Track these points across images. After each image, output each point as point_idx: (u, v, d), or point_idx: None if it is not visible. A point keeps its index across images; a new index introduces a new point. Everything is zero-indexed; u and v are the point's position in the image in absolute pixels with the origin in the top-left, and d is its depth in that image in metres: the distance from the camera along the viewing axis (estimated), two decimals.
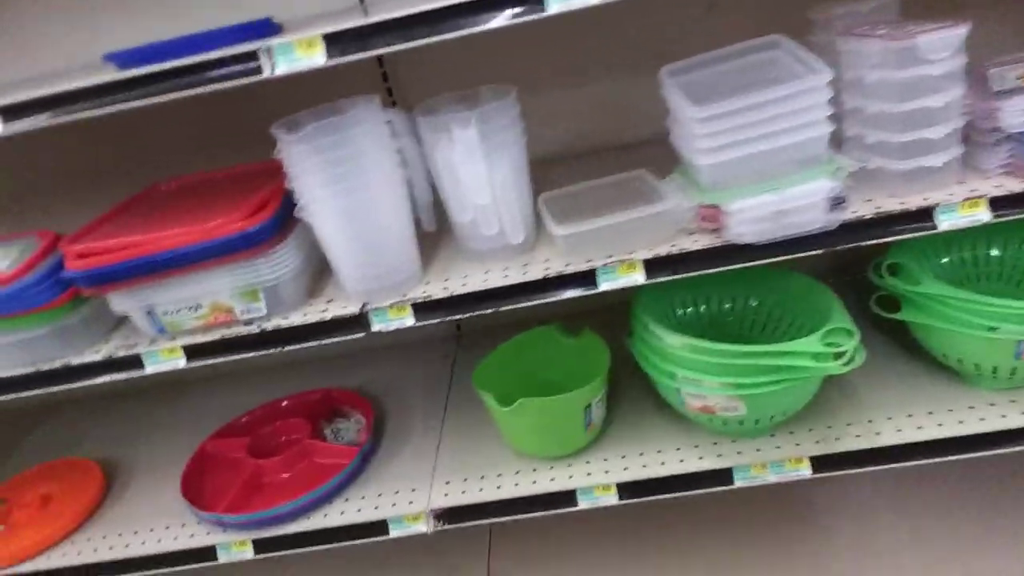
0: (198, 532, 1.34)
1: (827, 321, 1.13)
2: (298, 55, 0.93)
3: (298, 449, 1.43)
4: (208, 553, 1.32)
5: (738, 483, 1.23)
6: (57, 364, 1.17)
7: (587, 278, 1.09)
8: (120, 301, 1.12)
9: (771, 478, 1.22)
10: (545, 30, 1.13)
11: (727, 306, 1.39)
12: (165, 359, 1.16)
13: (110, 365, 1.17)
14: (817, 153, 1.02)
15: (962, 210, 1.02)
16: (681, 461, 1.25)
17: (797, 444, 1.23)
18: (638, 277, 1.08)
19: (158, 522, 1.40)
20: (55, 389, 1.18)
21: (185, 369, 1.13)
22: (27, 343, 1.15)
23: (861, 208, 1.05)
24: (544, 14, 0.90)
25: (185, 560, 1.33)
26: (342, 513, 1.31)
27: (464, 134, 1.01)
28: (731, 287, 1.38)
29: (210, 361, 1.16)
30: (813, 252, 1.05)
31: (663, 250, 1.07)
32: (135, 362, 1.16)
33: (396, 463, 1.42)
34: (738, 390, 1.12)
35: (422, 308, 1.12)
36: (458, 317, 1.12)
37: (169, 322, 1.14)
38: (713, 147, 1.00)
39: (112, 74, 0.96)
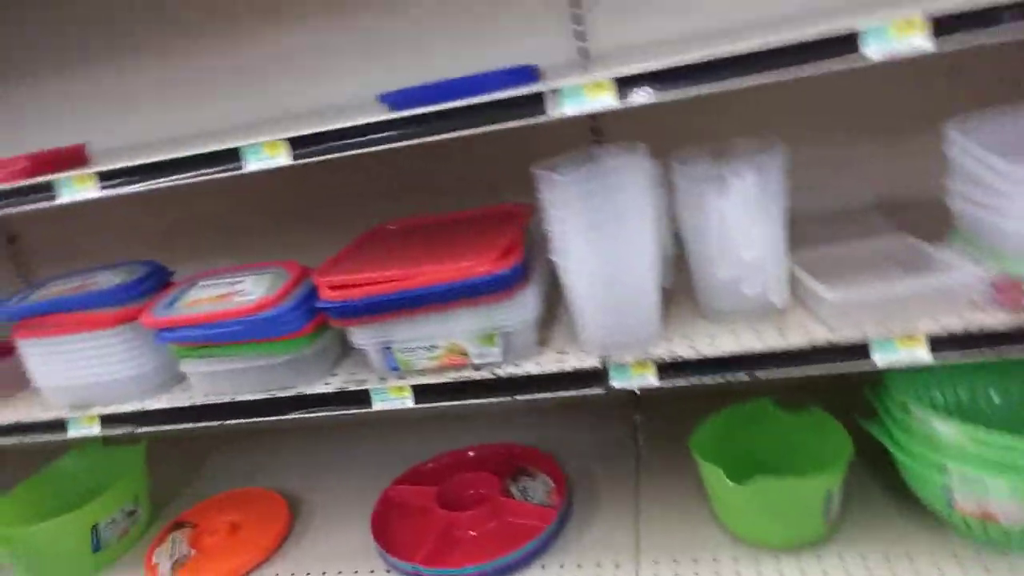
0: None
1: None
2: (587, 97, 0.92)
3: (492, 505, 1.37)
4: None
5: None
6: (290, 393, 1.18)
7: (859, 350, 0.99)
8: (362, 335, 1.12)
9: None
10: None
11: (996, 400, 1.22)
12: (393, 397, 1.15)
13: (339, 398, 1.17)
14: None
15: None
16: (938, 570, 1.09)
17: None
18: (922, 354, 0.96)
19: (346, 565, 1.37)
20: (284, 417, 1.19)
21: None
22: (266, 370, 1.17)
23: None
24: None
25: None
26: None
27: (740, 183, 0.96)
28: (998, 377, 1.22)
29: (437, 404, 1.14)
30: None
31: (954, 325, 0.96)
32: (363, 398, 1.16)
33: (593, 531, 1.33)
34: None
35: (668, 368, 1.05)
36: (706, 380, 1.04)
37: (403, 360, 1.13)
38: None
39: (408, 111, 0.98)
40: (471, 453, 1.56)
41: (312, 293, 1.16)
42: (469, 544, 1.32)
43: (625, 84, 0.91)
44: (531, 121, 0.95)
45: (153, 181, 1.06)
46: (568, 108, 0.93)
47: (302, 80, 1.54)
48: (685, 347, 1.06)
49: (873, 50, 0.84)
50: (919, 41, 0.82)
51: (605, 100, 0.92)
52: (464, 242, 1.16)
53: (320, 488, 1.64)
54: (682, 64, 0.89)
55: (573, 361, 1.10)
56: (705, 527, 1.28)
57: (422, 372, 1.15)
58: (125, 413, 1.25)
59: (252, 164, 1.03)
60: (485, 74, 1.04)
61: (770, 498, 1.12)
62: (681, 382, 1.05)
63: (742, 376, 1.03)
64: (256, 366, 1.17)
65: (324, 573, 1.36)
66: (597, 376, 1.08)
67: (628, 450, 1.57)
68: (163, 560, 1.43)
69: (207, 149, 1.03)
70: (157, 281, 1.31)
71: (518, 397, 1.11)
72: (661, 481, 1.43)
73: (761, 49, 0.86)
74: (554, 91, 0.93)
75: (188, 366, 1.20)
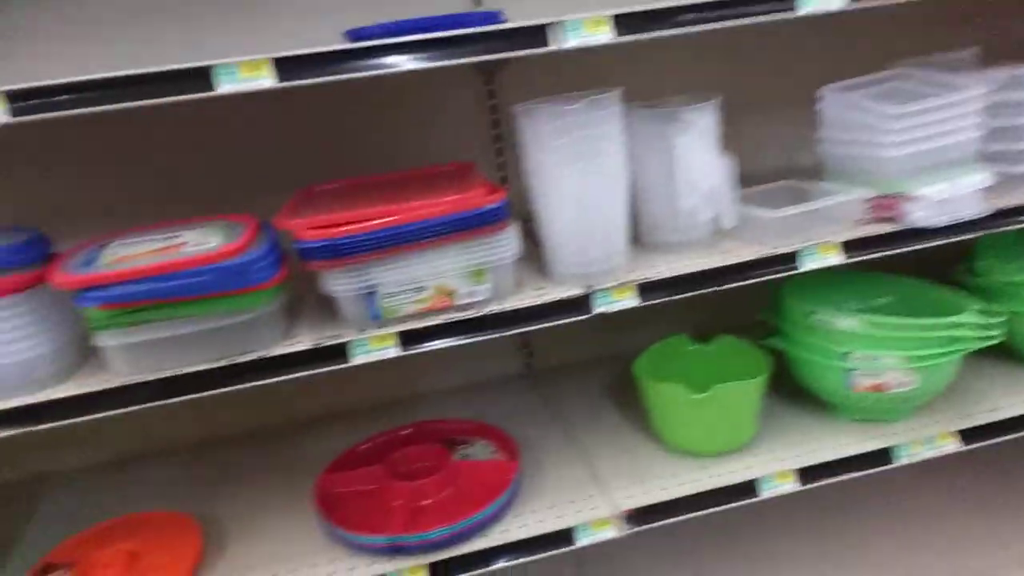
0: (359, 564, 1.19)
1: (962, 310, 1.29)
2: (586, 32, 1.00)
3: (447, 471, 1.33)
4: None
5: (900, 461, 1.32)
6: (250, 357, 1.05)
7: (790, 259, 1.19)
8: (343, 282, 1.04)
9: (927, 454, 1.33)
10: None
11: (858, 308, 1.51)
12: (375, 348, 1.08)
13: (312, 356, 1.07)
14: (970, 153, 1.23)
15: None
16: (845, 445, 1.32)
17: (937, 422, 1.36)
18: (835, 258, 1.20)
19: (297, 563, 1.22)
20: (249, 386, 1.05)
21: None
22: (216, 334, 1.02)
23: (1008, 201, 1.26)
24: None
25: None
26: (522, 527, 1.24)
27: (698, 121, 1.11)
28: (856, 291, 1.51)
29: (423, 348, 1.10)
30: (970, 235, 1.23)
31: (858, 233, 1.20)
32: (340, 353, 1.07)
33: (548, 477, 1.37)
34: (915, 363, 1.25)
35: (647, 288, 1.15)
36: (679, 296, 1.16)
37: (387, 307, 1.07)
38: (903, 140, 1.17)
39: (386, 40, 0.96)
40: (404, 432, 1.49)
41: (275, 243, 1.05)
42: (435, 512, 1.27)
43: (620, 21, 1.01)
44: (521, 53, 0.99)
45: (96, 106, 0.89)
46: (571, 41, 1.00)
47: (266, 19, 1.40)
48: (654, 272, 1.17)
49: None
50: None
51: (603, 36, 1.00)
52: (423, 194, 1.13)
53: (220, 504, 1.43)
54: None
55: (557, 292, 1.14)
56: (647, 450, 1.40)
57: (404, 319, 1.10)
58: (21, 408, 0.99)
59: (225, 86, 0.92)
60: (455, 15, 1.07)
61: (723, 403, 1.27)
62: (657, 300, 1.16)
63: (707, 289, 1.17)
64: (205, 330, 1.02)
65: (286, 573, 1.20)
66: (581, 303, 1.14)
67: (544, 412, 1.64)
68: None
69: (174, 67, 0.90)
70: (37, 250, 1.06)
71: (507, 333, 1.12)
72: (589, 430, 1.52)
73: None
74: (558, 23, 1.00)
75: (110, 338, 1.00)
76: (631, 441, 1.45)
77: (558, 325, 1.12)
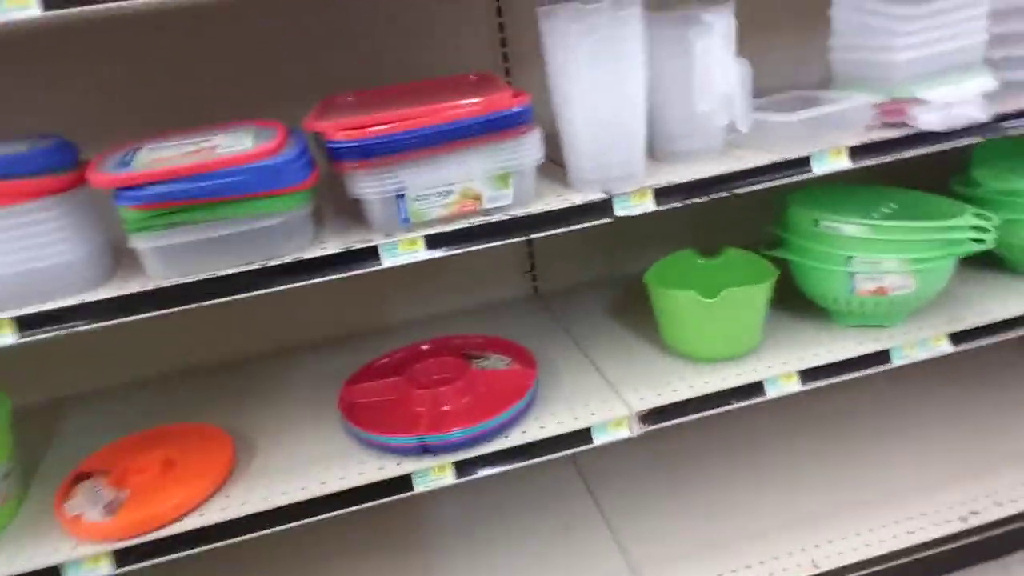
0: (387, 464, 1.24)
1: (959, 216, 1.35)
2: None
3: (467, 379, 1.38)
4: (403, 484, 1.23)
5: (896, 362, 1.39)
6: (286, 260, 1.07)
7: (803, 163, 1.23)
8: (374, 184, 1.06)
9: (920, 355, 1.40)
10: None
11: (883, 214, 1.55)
12: (403, 252, 1.11)
13: (344, 259, 1.09)
14: (976, 58, 1.26)
15: None
16: (845, 348, 1.39)
17: (932, 326, 1.43)
18: (845, 163, 1.24)
19: (327, 466, 1.27)
20: (282, 288, 1.07)
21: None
22: (249, 237, 1.04)
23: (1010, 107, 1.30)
24: None
25: (372, 495, 1.22)
26: (541, 428, 1.29)
27: (717, 24, 1.13)
28: (858, 203, 1.55)
29: (450, 251, 1.13)
30: (974, 139, 1.28)
31: (867, 138, 1.24)
32: (371, 255, 1.10)
33: (564, 386, 1.42)
34: (914, 265, 1.31)
35: (665, 192, 1.19)
36: (695, 200, 1.20)
37: (415, 210, 1.10)
38: (912, 44, 1.20)
39: None
40: (424, 347, 1.53)
41: (306, 146, 1.06)
42: (457, 417, 1.31)
43: None
44: None
45: None
46: None
47: None
48: (671, 177, 1.21)
49: None
50: None
51: None
52: (447, 100, 1.15)
53: (244, 418, 1.46)
54: None
55: (578, 197, 1.17)
56: (657, 358, 1.46)
57: (431, 223, 1.13)
58: (57, 310, 1.01)
59: None
60: None
61: (732, 307, 1.32)
62: (675, 204, 1.19)
63: (723, 193, 1.20)
64: (238, 233, 1.04)
65: (304, 487, 1.23)
66: (603, 207, 1.17)
67: (553, 329, 1.69)
68: (86, 508, 1.17)
69: None
70: (67, 156, 1.06)
71: (532, 236, 1.15)
72: (598, 341, 1.57)
73: None
74: None
75: (146, 240, 1.01)
76: (641, 351, 1.50)
77: (564, 244, 1.16)
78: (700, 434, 1.81)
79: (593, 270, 1.92)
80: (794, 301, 1.49)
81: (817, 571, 1.41)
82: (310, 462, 1.29)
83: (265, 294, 1.06)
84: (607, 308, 1.75)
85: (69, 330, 1.02)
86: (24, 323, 1.00)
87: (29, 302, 1.01)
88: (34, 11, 0.86)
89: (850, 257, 1.33)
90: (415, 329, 1.74)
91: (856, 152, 1.24)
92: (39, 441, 1.47)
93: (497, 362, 1.49)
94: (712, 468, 1.73)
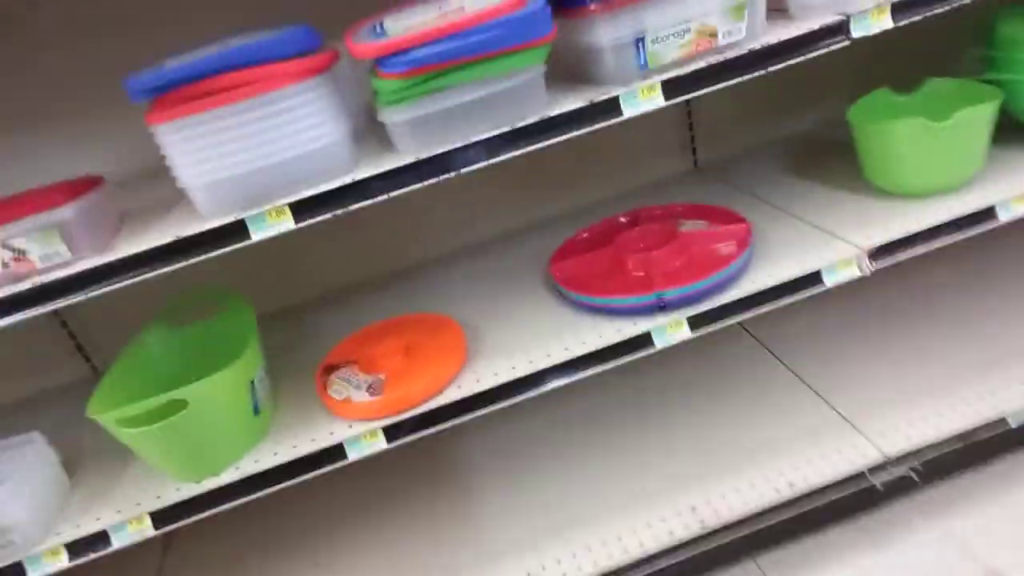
0: (624, 326, 1.26)
1: None
2: None
3: (682, 238, 1.37)
4: (644, 342, 1.24)
5: None
6: (534, 119, 1.06)
7: None
8: (616, 29, 1.03)
9: None
10: None
11: None
12: (643, 100, 1.09)
13: (588, 113, 1.07)
14: None
15: None
16: None
17: None
18: None
19: (556, 335, 1.29)
20: (533, 149, 1.07)
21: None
22: (494, 100, 1.03)
23: None
24: None
25: (615, 355, 1.24)
26: (769, 275, 1.28)
27: None
28: None
29: (685, 97, 1.10)
30: None
31: None
32: (613, 107, 1.08)
33: (777, 239, 1.39)
34: None
35: (902, 7, 1.12)
36: (930, 14, 1.13)
37: (654, 53, 1.07)
38: None
39: None
40: (622, 219, 1.53)
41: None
42: (680, 275, 1.30)
43: None
44: None
45: None
46: None
47: None
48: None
49: None
50: None
51: None
52: None
53: (459, 307, 1.49)
54: None
55: (813, 23, 1.12)
56: (868, 198, 1.42)
57: (668, 67, 1.10)
58: (327, 193, 1.03)
59: None
60: None
61: (962, 131, 1.27)
62: (915, 18, 1.13)
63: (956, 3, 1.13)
64: (484, 97, 1.03)
65: (548, 354, 1.26)
66: (839, 29, 1.12)
67: (739, 196, 1.64)
68: (352, 392, 1.23)
69: None
70: (315, 38, 1.05)
71: (770, 69, 1.11)
72: (790, 196, 1.54)
73: None
74: None
75: (399, 113, 1.02)
76: (842, 197, 1.47)
77: (720, 113, 1.09)
78: (877, 289, 1.77)
79: (753, 136, 1.87)
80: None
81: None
82: (540, 335, 1.31)
83: (500, 160, 1.05)
84: (782, 167, 1.70)
85: (339, 212, 1.04)
86: (299, 208, 1.03)
87: (297, 189, 1.04)
88: None
89: None
90: (581, 215, 1.72)
91: None
92: (286, 338, 1.56)
93: (699, 225, 1.48)
94: (898, 318, 1.70)
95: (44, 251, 1.02)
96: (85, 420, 1.08)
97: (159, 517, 1.11)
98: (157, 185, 1.42)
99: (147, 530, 1.10)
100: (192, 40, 1.04)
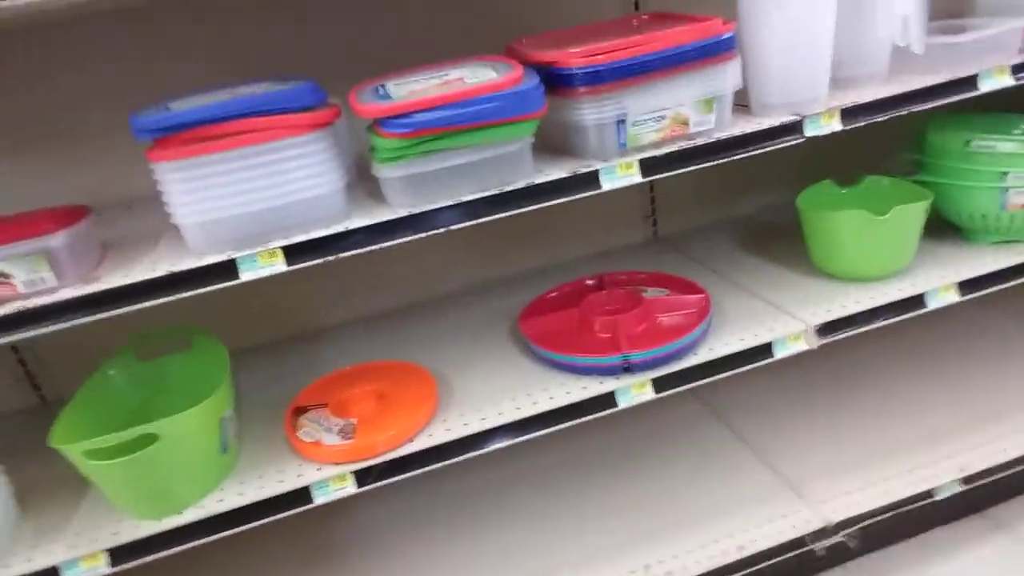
0: (590, 384, 1.32)
1: None
2: None
3: (646, 305, 1.45)
4: (607, 401, 1.31)
5: None
6: (519, 185, 1.14)
7: (971, 82, 1.31)
8: (600, 110, 1.13)
9: None
10: None
11: None
12: (621, 175, 1.18)
13: (570, 183, 1.16)
14: None
15: None
16: (994, 261, 1.48)
17: None
18: (1008, 80, 1.32)
19: (526, 391, 1.34)
20: (515, 212, 1.14)
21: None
22: (484, 165, 1.10)
23: None
24: None
25: (578, 414, 1.30)
26: (725, 345, 1.37)
27: None
28: (991, 127, 1.61)
29: (660, 176, 1.20)
30: None
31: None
32: (592, 180, 1.17)
33: (732, 311, 1.50)
34: None
35: (849, 113, 1.26)
36: (881, 118, 1.27)
37: (633, 134, 1.17)
38: None
39: None
40: (588, 281, 1.61)
41: (539, 77, 1.12)
42: (644, 339, 1.38)
43: None
44: None
45: None
46: None
47: None
48: (855, 97, 1.28)
49: None
50: None
51: None
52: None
53: (429, 356, 1.53)
54: None
55: (771, 120, 1.25)
56: (813, 280, 1.55)
57: (643, 148, 1.20)
58: (321, 239, 1.08)
59: None
60: None
61: (899, 224, 1.41)
62: (860, 123, 1.27)
63: (903, 111, 1.28)
64: (476, 161, 1.10)
65: (518, 408, 1.31)
66: (794, 128, 1.25)
67: (695, 268, 1.76)
68: (322, 434, 1.24)
69: None
70: (319, 94, 1.11)
71: (734, 157, 1.23)
72: (743, 273, 1.65)
73: None
74: None
75: (394, 170, 1.08)
76: (789, 276, 1.58)
77: (681, 189, 1.23)
78: (818, 362, 1.89)
79: (708, 212, 2.00)
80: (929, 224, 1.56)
81: (964, 473, 1.50)
82: (508, 388, 1.36)
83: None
84: (736, 244, 1.83)
85: (331, 258, 1.09)
86: (292, 252, 1.07)
87: (291, 234, 1.08)
88: None
89: (1004, 173, 1.42)
90: (548, 273, 1.80)
91: (1017, 69, 1.32)
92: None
93: (660, 293, 1.57)
94: (839, 390, 1.82)
95: (28, 276, 1.03)
96: (35, 450, 1.06)
97: (116, 554, 1.09)
98: (134, 215, 1.44)
99: (102, 567, 1.08)
100: (177, 77, 1.09)
